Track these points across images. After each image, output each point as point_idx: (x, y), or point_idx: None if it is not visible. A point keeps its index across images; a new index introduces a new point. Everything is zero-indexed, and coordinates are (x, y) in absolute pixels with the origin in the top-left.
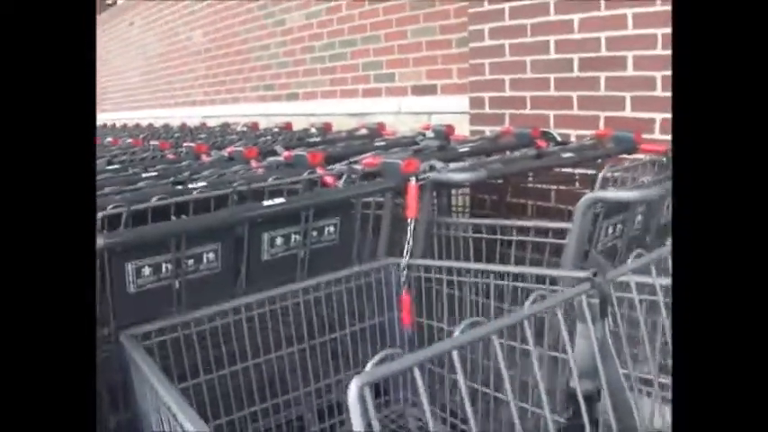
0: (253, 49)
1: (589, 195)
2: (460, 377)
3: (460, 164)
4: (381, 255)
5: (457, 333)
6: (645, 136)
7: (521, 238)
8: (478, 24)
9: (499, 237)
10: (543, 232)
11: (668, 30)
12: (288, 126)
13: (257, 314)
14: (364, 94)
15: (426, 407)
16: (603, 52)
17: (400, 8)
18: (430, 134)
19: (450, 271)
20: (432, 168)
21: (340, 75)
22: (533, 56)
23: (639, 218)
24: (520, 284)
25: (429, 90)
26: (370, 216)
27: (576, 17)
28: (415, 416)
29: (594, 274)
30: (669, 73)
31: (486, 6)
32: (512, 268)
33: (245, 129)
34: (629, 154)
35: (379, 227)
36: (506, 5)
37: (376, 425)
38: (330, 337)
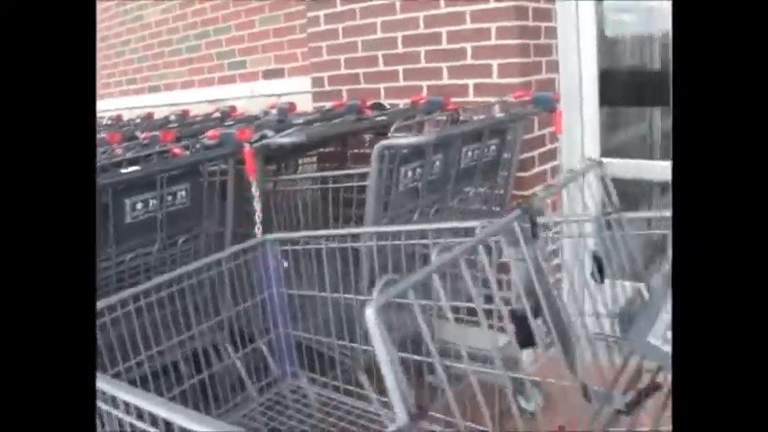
0: (113, 45)
1: (381, 143)
2: (443, 298)
3: (288, 131)
4: (230, 217)
5: (434, 257)
6: (461, 99)
7: (348, 184)
8: (315, 11)
9: (331, 186)
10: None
11: (477, 6)
12: (149, 116)
13: (144, 304)
14: (220, 81)
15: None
16: (422, 29)
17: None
18: (274, 112)
19: (328, 238)
20: (263, 136)
21: (197, 65)
22: (363, 36)
23: (437, 164)
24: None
25: (278, 73)
26: (216, 183)
27: (397, 0)
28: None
29: (524, 199)
30: (478, 44)
31: None
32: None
33: (109, 122)
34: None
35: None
36: None
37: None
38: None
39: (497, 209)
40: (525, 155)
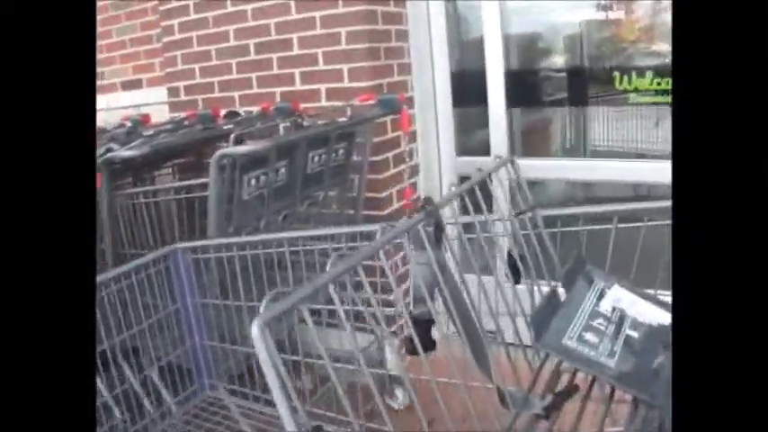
0: None
1: (218, 152)
2: (340, 310)
3: (133, 143)
4: (106, 232)
5: (330, 267)
6: (313, 104)
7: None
8: (169, 20)
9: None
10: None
11: (327, 12)
12: None
13: None
14: None
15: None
16: (274, 36)
17: (103, 9)
18: (128, 124)
19: (241, 246)
20: (108, 149)
21: None
22: (217, 44)
23: (283, 170)
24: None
25: (136, 84)
26: None
27: (248, 7)
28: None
29: (427, 203)
30: (329, 49)
31: (174, 3)
32: (306, 232)
33: None
34: (295, 119)
35: None
36: (191, 2)
37: (278, 360)
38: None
39: (351, 211)
40: (380, 156)
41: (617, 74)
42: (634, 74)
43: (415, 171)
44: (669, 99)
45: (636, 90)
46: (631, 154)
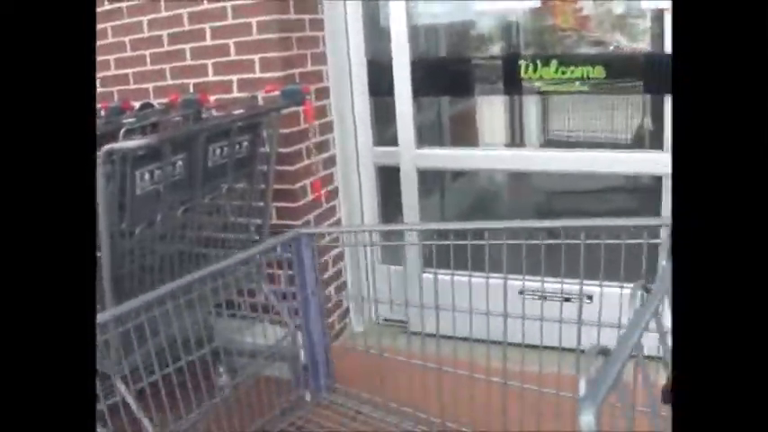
0: None
1: (105, 147)
2: None
3: None
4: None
5: None
6: (226, 96)
7: None
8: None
9: None
10: None
11: (238, 2)
12: None
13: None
14: None
15: None
16: (187, 26)
17: None
18: None
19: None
20: None
21: None
22: (131, 36)
23: (180, 164)
24: None
25: None
26: None
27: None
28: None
29: None
30: (240, 39)
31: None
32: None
33: None
34: (194, 112)
35: None
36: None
37: None
38: None
39: (260, 204)
40: (293, 148)
41: (522, 62)
42: (539, 63)
43: (331, 162)
44: (574, 87)
45: (541, 78)
46: (569, 143)
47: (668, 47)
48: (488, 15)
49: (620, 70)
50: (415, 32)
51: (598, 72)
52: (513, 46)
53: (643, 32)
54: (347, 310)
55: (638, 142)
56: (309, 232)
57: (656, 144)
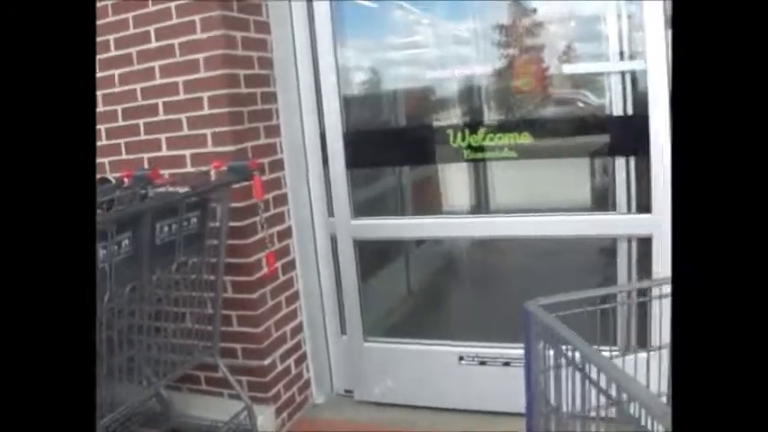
0: None
1: None
2: None
3: None
4: None
5: None
6: (178, 170)
7: None
8: None
9: None
10: None
11: (189, 77)
12: None
13: None
14: None
15: None
16: (140, 101)
17: None
18: None
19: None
20: None
21: None
22: None
23: (126, 242)
24: None
25: None
26: None
27: (116, 72)
28: None
29: None
30: (193, 114)
31: None
32: None
33: None
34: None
35: None
36: None
37: None
38: None
39: (212, 277)
40: (246, 221)
41: (450, 132)
42: (467, 130)
43: (287, 234)
44: (502, 154)
45: (469, 147)
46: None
47: (629, 108)
48: (451, 80)
49: (555, 133)
50: (373, 100)
51: (524, 138)
52: (475, 111)
53: (607, 91)
54: (307, 383)
55: (589, 205)
56: None
57: (606, 205)
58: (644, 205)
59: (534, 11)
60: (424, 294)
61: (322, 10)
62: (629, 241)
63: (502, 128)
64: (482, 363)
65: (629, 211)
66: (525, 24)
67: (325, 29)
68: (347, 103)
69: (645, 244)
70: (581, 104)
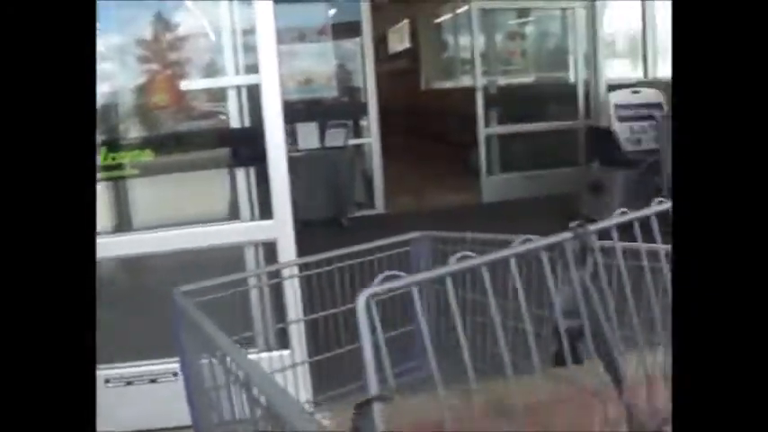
0: None
1: None
2: (452, 300)
3: None
4: None
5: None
6: None
7: None
8: None
9: None
10: None
11: None
12: None
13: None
14: None
15: (424, 326)
16: None
17: None
18: None
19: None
20: None
21: None
22: None
23: None
24: None
25: None
26: None
27: None
28: None
29: (579, 226)
30: None
31: None
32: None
33: None
34: None
35: None
36: None
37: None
38: None
39: None
40: None
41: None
42: (105, 149)
43: None
44: (125, 172)
45: (106, 167)
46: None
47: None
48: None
49: (190, 147)
50: None
51: (147, 155)
52: (111, 130)
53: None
54: None
55: (226, 215)
56: None
57: (237, 215)
58: (267, 212)
59: (177, 25)
60: None
61: None
62: (256, 247)
63: (125, 146)
64: (128, 383)
65: (252, 218)
66: (167, 39)
67: None
68: None
69: (270, 247)
70: (223, 117)
